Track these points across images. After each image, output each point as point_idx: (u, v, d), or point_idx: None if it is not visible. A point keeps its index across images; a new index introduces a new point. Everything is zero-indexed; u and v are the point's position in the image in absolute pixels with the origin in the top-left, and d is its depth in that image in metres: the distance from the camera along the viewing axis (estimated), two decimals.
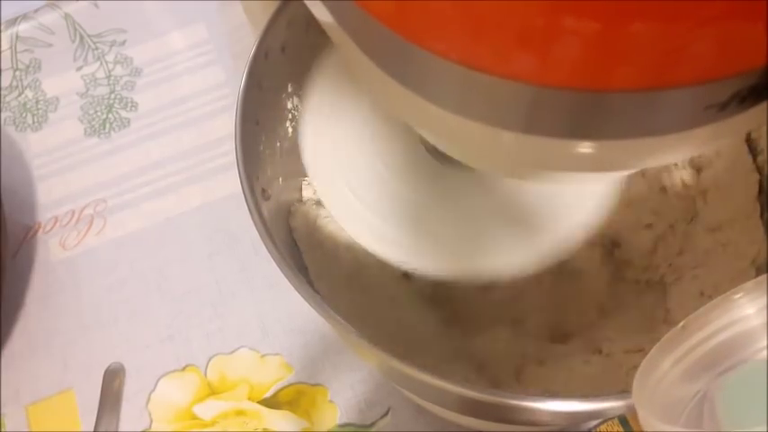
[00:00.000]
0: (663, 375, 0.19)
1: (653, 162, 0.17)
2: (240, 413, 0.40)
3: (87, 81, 0.52)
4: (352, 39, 0.16)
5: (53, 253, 0.46)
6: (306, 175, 0.36)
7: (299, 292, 0.26)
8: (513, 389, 0.32)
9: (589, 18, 0.12)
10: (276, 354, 0.41)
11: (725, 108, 0.14)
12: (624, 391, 0.23)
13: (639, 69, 0.13)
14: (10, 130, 0.51)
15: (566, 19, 0.12)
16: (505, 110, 0.15)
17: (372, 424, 0.39)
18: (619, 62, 0.13)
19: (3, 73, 0.53)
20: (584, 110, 0.14)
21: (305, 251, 0.34)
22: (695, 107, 0.14)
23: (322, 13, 0.17)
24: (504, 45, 0.13)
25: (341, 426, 0.39)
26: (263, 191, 0.31)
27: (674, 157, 0.17)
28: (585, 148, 0.15)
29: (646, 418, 0.18)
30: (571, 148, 0.15)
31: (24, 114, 0.51)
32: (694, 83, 0.13)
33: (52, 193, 0.48)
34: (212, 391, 0.41)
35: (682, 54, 0.12)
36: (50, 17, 0.55)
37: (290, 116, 0.34)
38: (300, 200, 0.35)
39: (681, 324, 0.19)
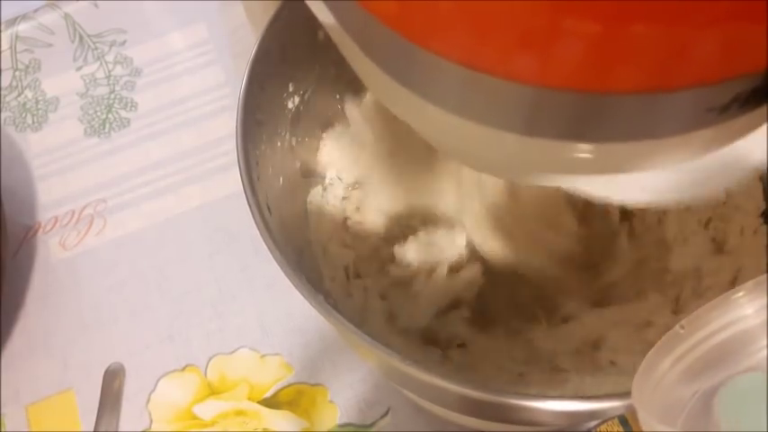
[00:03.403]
0: (662, 376, 0.19)
1: (653, 165, 0.17)
2: (240, 413, 0.40)
3: (87, 81, 0.52)
4: (353, 40, 0.16)
5: (53, 253, 0.46)
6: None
7: (299, 292, 0.26)
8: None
9: (591, 20, 0.12)
10: (276, 354, 0.41)
11: (726, 111, 0.14)
12: (624, 392, 0.23)
13: (641, 71, 0.13)
14: (10, 130, 0.51)
15: (568, 20, 0.12)
16: (507, 111, 0.15)
17: (372, 424, 0.39)
18: (620, 64, 0.13)
19: (3, 73, 0.53)
20: (585, 112, 0.14)
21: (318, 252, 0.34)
22: (696, 109, 0.14)
23: (323, 14, 0.17)
24: (507, 46, 0.13)
25: (341, 426, 0.39)
26: (264, 191, 0.31)
27: (674, 160, 0.17)
28: (587, 150, 0.15)
29: (645, 418, 0.18)
30: (572, 150, 0.15)
31: (24, 114, 0.51)
32: (696, 85, 0.13)
33: (52, 193, 0.48)
34: (212, 391, 0.41)
35: (683, 56, 0.12)
36: (50, 17, 0.54)
37: (290, 116, 0.35)
38: (303, 199, 0.35)
39: (680, 324, 0.19)
